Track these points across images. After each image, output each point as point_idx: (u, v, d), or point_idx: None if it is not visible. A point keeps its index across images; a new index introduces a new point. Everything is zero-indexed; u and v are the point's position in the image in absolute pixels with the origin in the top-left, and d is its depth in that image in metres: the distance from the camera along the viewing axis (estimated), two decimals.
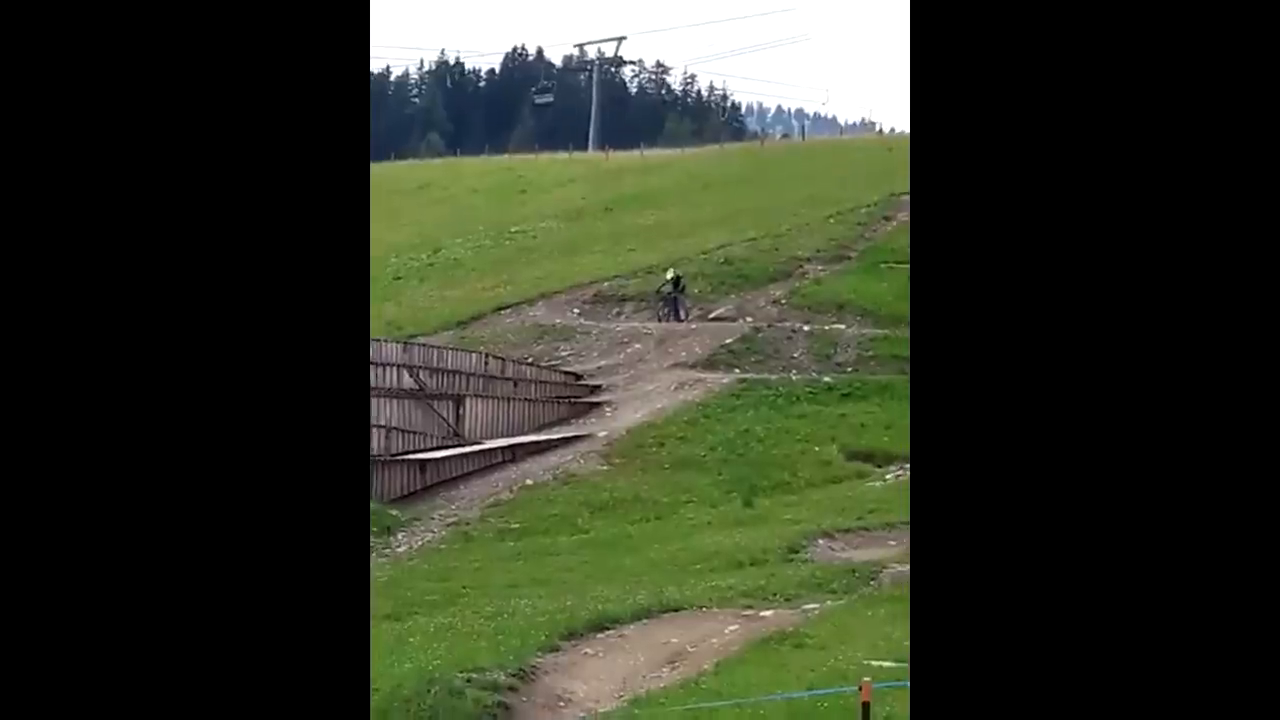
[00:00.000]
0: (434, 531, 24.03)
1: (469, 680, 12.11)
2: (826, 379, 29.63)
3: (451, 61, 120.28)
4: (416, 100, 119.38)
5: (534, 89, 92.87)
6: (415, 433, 27.85)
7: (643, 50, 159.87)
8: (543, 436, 28.51)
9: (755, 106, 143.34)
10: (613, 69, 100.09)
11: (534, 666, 12.76)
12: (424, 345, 32.34)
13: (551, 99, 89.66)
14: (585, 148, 78.84)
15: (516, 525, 23.73)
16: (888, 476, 23.78)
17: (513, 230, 48.87)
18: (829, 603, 14.84)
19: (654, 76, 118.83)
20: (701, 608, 14.86)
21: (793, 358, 31.09)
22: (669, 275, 35.71)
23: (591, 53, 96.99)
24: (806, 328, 32.52)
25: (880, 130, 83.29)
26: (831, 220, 41.19)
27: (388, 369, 29.43)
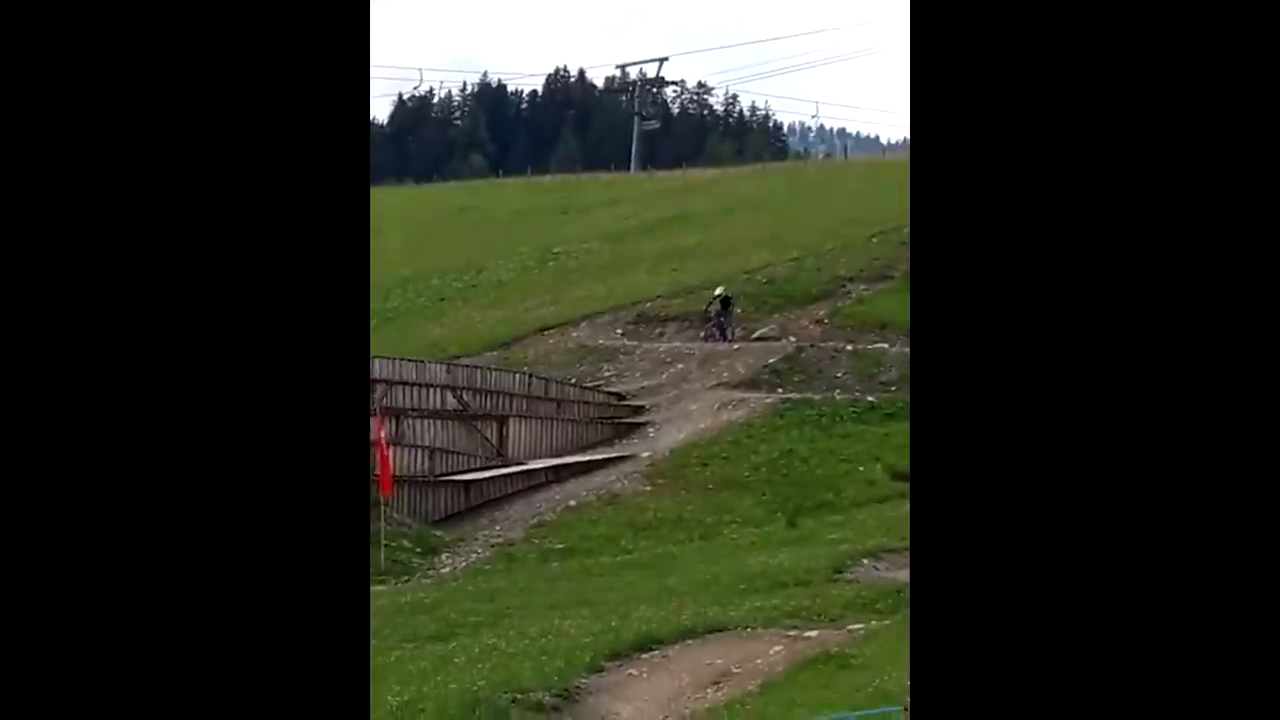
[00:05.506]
0: (478, 552, 24.11)
1: (514, 701, 12.15)
2: (870, 398, 29.56)
3: (494, 83, 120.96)
4: (459, 122, 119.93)
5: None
6: (459, 453, 27.95)
7: (684, 70, 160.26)
8: (586, 457, 28.55)
9: (797, 126, 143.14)
10: (654, 89, 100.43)
11: (578, 687, 12.79)
12: (468, 366, 32.43)
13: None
14: (627, 168, 79.04)
15: (560, 546, 23.77)
16: None
17: (555, 251, 48.99)
18: (874, 623, 14.79)
19: (696, 97, 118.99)
20: (746, 628, 14.84)
21: (836, 377, 31.00)
22: (718, 293, 35.67)
23: (633, 73, 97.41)
24: (850, 347, 32.44)
25: None
26: (874, 240, 41.07)
27: (432, 390, 29.57)
